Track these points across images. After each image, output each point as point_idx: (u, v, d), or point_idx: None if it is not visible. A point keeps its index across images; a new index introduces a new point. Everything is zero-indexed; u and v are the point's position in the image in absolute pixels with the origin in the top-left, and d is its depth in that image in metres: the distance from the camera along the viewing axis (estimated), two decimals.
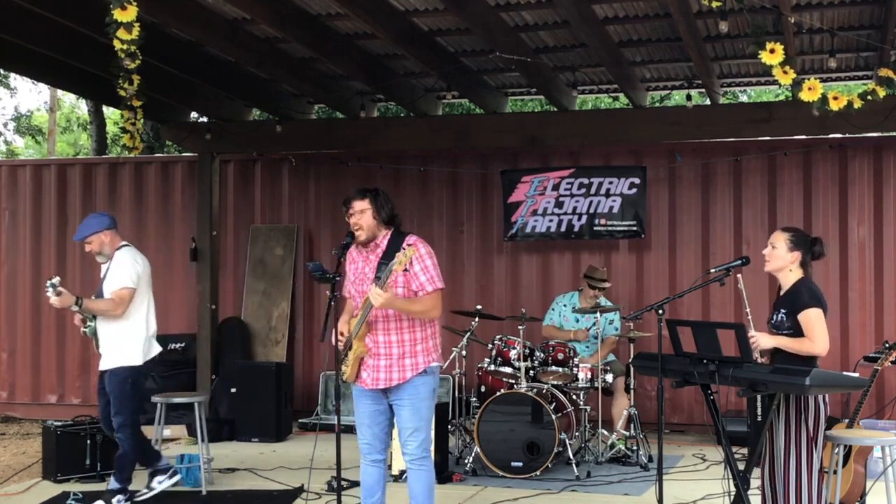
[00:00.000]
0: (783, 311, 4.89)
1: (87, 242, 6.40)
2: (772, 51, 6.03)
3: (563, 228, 9.73)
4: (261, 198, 10.75)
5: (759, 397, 4.84)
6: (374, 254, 5.10)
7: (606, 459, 7.71)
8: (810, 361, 4.75)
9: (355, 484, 5.43)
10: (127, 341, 6.35)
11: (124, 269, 6.33)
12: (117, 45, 5.90)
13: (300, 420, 9.69)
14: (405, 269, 4.89)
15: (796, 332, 4.81)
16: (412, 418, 5.03)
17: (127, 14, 5.69)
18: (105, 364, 6.37)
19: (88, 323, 6.37)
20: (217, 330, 9.97)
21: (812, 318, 4.76)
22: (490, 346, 7.90)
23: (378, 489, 5.16)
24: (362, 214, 5.04)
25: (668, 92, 9.86)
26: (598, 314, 7.92)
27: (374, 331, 5.05)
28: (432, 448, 6.99)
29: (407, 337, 5.05)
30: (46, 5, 6.89)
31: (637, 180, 9.53)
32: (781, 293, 4.99)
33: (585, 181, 9.66)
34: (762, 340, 4.86)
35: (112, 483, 6.47)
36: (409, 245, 4.85)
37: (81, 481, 6.82)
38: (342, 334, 5.09)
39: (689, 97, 8.72)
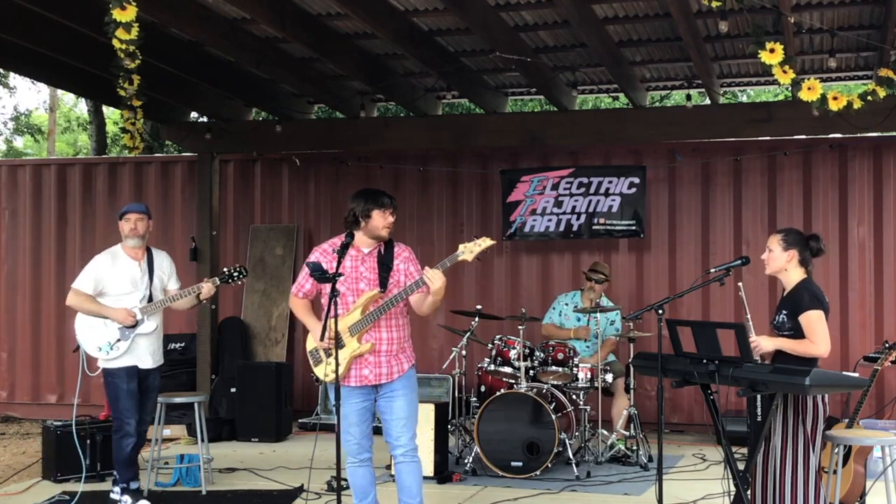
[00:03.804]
0: (784, 312, 4.90)
1: (140, 219, 6.42)
2: (772, 50, 6.04)
3: (562, 228, 9.72)
4: (261, 198, 10.76)
5: (759, 397, 4.84)
6: (370, 255, 5.21)
7: (606, 459, 7.71)
8: (810, 362, 4.76)
9: None
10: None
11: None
12: (116, 44, 5.91)
13: (300, 420, 9.69)
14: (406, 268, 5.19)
15: (797, 332, 4.82)
16: (406, 408, 5.18)
17: (126, 14, 5.69)
18: (155, 361, 6.45)
19: (144, 319, 6.36)
20: (217, 330, 9.97)
21: (813, 321, 4.77)
22: (490, 345, 7.90)
23: (371, 489, 5.29)
24: (394, 218, 5.27)
25: (668, 92, 9.84)
26: (598, 313, 7.94)
27: (378, 327, 5.16)
28: (431, 445, 7.06)
29: (404, 333, 5.29)
30: (46, 5, 6.89)
31: (637, 180, 9.53)
32: (784, 294, 5.00)
33: (585, 181, 9.66)
34: (764, 344, 4.86)
35: (135, 483, 6.43)
36: (480, 238, 5.04)
37: (80, 481, 6.81)
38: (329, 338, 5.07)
39: (689, 97, 8.73)
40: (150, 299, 6.37)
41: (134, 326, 6.27)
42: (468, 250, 5.00)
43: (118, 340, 6.26)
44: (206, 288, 6.35)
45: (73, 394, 10.65)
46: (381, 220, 5.17)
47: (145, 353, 6.36)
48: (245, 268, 6.53)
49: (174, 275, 6.57)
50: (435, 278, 4.95)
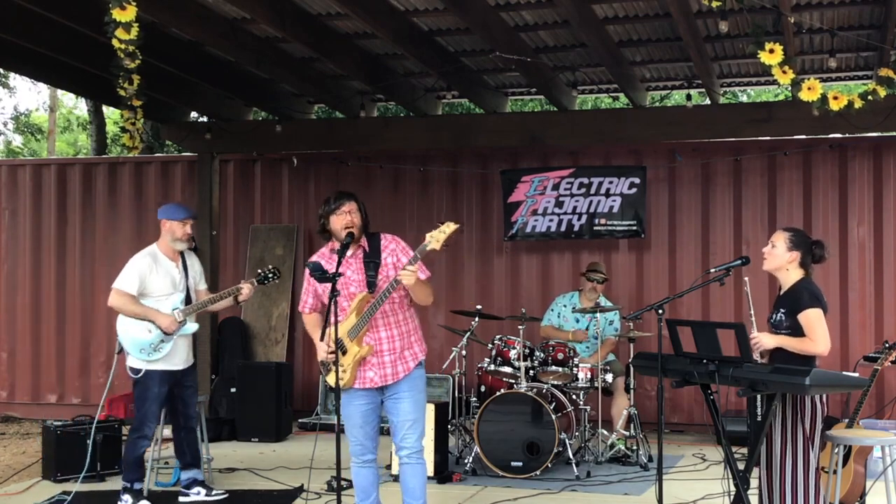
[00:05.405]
0: (783, 310, 4.90)
1: (192, 224, 6.43)
2: (771, 51, 6.04)
3: (563, 228, 9.73)
4: (261, 198, 10.76)
5: (759, 397, 4.84)
6: (354, 256, 5.14)
7: (606, 459, 7.71)
8: (809, 361, 4.76)
9: None
10: None
11: None
12: (116, 44, 5.91)
13: (300, 420, 9.69)
14: (396, 260, 5.03)
15: (795, 331, 4.82)
16: (413, 409, 5.13)
17: (126, 14, 5.69)
18: (187, 362, 6.44)
19: (186, 321, 6.34)
20: (217, 330, 9.97)
21: (812, 319, 4.77)
22: (490, 345, 7.89)
23: (373, 490, 5.23)
24: (356, 214, 5.13)
25: (668, 92, 9.85)
26: (597, 314, 7.93)
27: (376, 328, 5.10)
28: (431, 445, 7.06)
29: (404, 329, 5.19)
30: (46, 5, 6.89)
31: (637, 180, 9.54)
32: (781, 292, 5.00)
33: (585, 181, 9.66)
34: (764, 340, 4.86)
35: (196, 473, 6.58)
36: (442, 223, 4.85)
37: (81, 481, 6.81)
38: (328, 345, 5.02)
39: (689, 97, 8.73)
40: (188, 299, 6.38)
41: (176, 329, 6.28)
42: (434, 239, 4.82)
43: (161, 342, 6.23)
44: (246, 289, 6.34)
45: (73, 394, 10.73)
46: (337, 223, 5.09)
47: (180, 356, 6.37)
48: (278, 269, 6.58)
49: (202, 275, 6.61)
50: (405, 276, 4.84)
